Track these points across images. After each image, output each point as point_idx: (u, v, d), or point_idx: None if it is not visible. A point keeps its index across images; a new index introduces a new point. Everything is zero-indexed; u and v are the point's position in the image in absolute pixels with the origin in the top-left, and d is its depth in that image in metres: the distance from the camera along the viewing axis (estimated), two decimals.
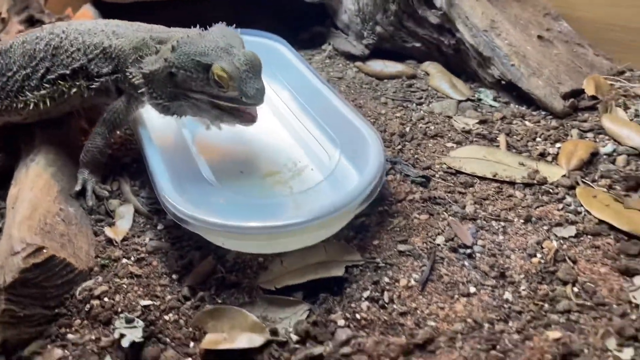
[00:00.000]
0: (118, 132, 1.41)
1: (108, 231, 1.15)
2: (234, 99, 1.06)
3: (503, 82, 1.41)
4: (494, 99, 1.44)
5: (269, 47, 1.51)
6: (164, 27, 1.22)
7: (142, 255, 1.09)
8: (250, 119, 1.07)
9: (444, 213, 1.12)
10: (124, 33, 1.21)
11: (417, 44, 1.56)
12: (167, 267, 1.06)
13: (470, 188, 1.18)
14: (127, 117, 1.24)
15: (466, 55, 1.47)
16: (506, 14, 1.51)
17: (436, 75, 1.52)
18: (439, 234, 1.07)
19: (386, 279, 0.98)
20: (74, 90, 1.23)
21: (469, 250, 1.03)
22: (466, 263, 1.01)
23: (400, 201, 1.16)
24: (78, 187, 1.22)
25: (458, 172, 1.22)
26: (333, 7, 1.67)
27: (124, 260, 1.08)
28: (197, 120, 1.38)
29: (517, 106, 1.41)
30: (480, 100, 1.44)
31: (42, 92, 1.24)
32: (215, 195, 1.09)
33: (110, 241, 1.13)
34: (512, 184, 1.18)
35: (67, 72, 1.23)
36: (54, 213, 1.12)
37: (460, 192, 1.17)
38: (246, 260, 1.05)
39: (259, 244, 1.02)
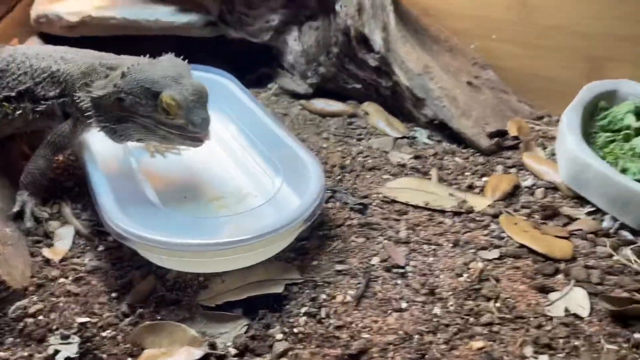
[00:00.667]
0: (61, 157, 1.42)
1: (46, 252, 1.14)
2: (180, 127, 1.09)
3: (435, 122, 1.52)
4: (428, 137, 1.55)
5: (217, 82, 1.57)
6: (113, 55, 1.26)
7: (81, 274, 1.09)
8: (198, 140, 1.11)
9: (380, 237, 1.18)
10: (73, 58, 1.24)
11: (358, 85, 1.66)
12: (106, 285, 1.06)
13: (404, 215, 1.25)
14: (71, 140, 1.25)
15: (402, 96, 1.58)
16: (438, 61, 1.64)
17: (375, 114, 1.62)
18: (374, 255, 1.12)
19: (323, 296, 1.02)
20: (19, 112, 1.24)
21: (401, 270, 1.09)
22: (399, 281, 1.06)
23: (339, 226, 1.21)
24: (16, 209, 1.21)
25: (393, 201, 1.29)
26: (279, 48, 1.76)
27: (62, 280, 1.08)
28: (142, 148, 1.41)
29: (448, 144, 1.52)
30: (415, 138, 1.54)
31: None
32: (158, 215, 1.11)
33: (47, 261, 1.12)
34: (442, 212, 1.26)
35: (13, 94, 1.24)
36: None
37: (395, 219, 1.24)
38: (187, 279, 1.07)
39: (199, 262, 1.05)
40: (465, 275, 1.08)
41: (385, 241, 1.17)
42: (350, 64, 1.62)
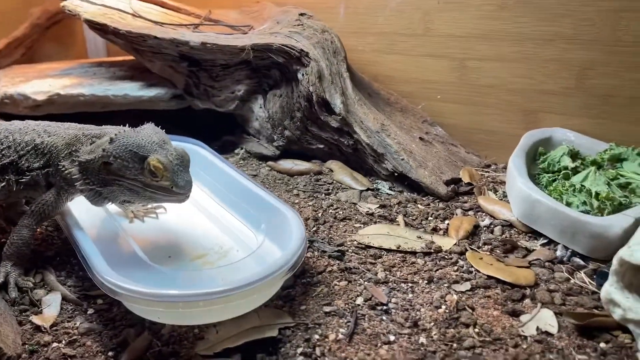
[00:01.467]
0: (38, 228, 1.44)
1: (35, 319, 1.14)
2: (164, 188, 1.16)
3: (396, 174, 1.65)
4: (390, 188, 1.67)
5: (190, 149, 1.65)
6: (94, 126, 1.33)
7: (75, 337, 1.10)
8: (181, 198, 1.17)
9: (360, 279, 1.26)
10: (56, 132, 1.30)
11: (321, 145, 1.79)
12: (101, 346, 1.08)
13: (379, 259, 1.35)
14: (55, 209, 1.29)
15: (363, 153, 1.72)
16: (392, 120, 1.80)
17: (339, 170, 1.74)
18: (358, 295, 1.20)
19: (316, 336, 1.08)
20: (2, 184, 1.28)
21: (385, 307, 1.16)
22: (384, 317, 1.14)
23: (321, 272, 1.29)
24: (0, 279, 1.22)
25: (367, 247, 1.39)
26: (244, 116, 1.87)
27: (55, 344, 1.08)
28: (120, 214, 1.46)
29: (409, 193, 1.65)
30: (378, 189, 1.67)
31: None
32: (149, 271, 1.15)
33: (38, 328, 1.12)
34: (413, 253, 1.36)
35: None
36: None
37: (371, 263, 1.33)
38: (182, 332, 1.10)
39: (194, 313, 1.09)
40: (443, 307, 1.17)
41: (366, 283, 1.25)
42: (313, 126, 1.75)
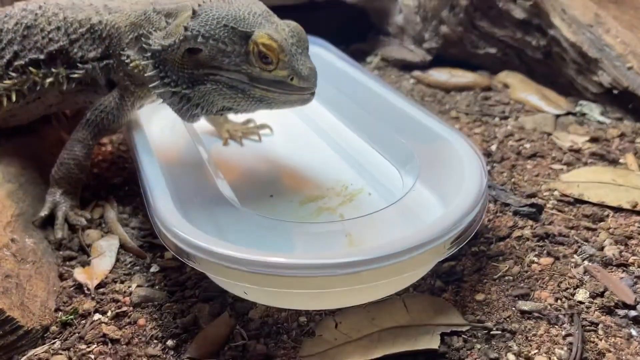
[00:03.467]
0: (108, 145, 1.09)
1: (79, 273, 0.81)
2: (280, 82, 0.76)
3: (615, 92, 1.08)
4: (602, 114, 1.11)
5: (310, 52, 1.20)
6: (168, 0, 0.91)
7: (124, 309, 0.74)
8: (306, 96, 0.77)
9: (574, 256, 0.76)
10: (119, 7, 0.91)
11: (492, 50, 1.25)
12: (159, 328, 0.70)
13: (601, 222, 0.83)
14: (118, 119, 0.92)
15: (560, 59, 1.15)
16: (605, 12, 1.19)
17: (519, 86, 1.20)
18: (577, 286, 0.70)
19: (511, 357, 0.61)
20: (49, 80, 0.92)
21: (633, 312, 0.65)
22: (634, 332, 0.63)
23: (503, 239, 0.80)
24: (45, 212, 0.90)
25: (578, 201, 0.87)
26: (382, 8, 1.37)
27: (97, 316, 0.74)
28: (211, 134, 1.06)
29: (634, 122, 1.07)
30: (584, 114, 1.11)
31: (7, 83, 0.92)
32: (238, 220, 0.74)
33: (80, 287, 0.78)
34: None
35: (42, 56, 0.92)
36: (1, 245, 0.77)
37: (588, 228, 0.81)
38: (281, 320, 0.69)
39: (302, 295, 0.66)
40: None
41: (587, 263, 0.74)
42: (483, 20, 1.21)
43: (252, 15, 0.76)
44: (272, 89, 0.76)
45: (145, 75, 0.83)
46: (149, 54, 0.82)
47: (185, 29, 0.77)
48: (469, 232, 0.67)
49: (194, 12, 0.78)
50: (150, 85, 0.83)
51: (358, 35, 1.56)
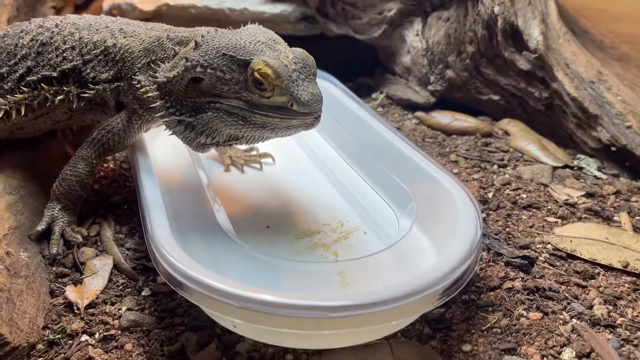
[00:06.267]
0: (111, 162, 1.10)
1: (70, 291, 0.81)
2: (280, 107, 0.76)
3: (613, 149, 1.09)
4: (599, 169, 1.12)
5: None
6: (183, 28, 0.93)
7: (112, 332, 0.74)
8: (308, 120, 0.76)
9: (563, 313, 0.76)
10: (135, 32, 0.93)
11: (495, 97, 1.27)
12: (146, 354, 0.70)
13: (592, 280, 0.83)
14: (124, 141, 0.93)
15: (561, 112, 1.17)
16: (608, 70, 1.22)
17: (519, 135, 1.21)
18: (564, 344, 0.71)
19: None
20: (60, 97, 0.93)
21: None
22: None
23: (494, 289, 0.81)
24: (42, 226, 0.90)
25: (570, 257, 0.88)
26: (391, 47, 1.39)
27: (84, 337, 0.74)
28: (214, 158, 1.07)
29: (630, 180, 1.08)
30: (581, 168, 1.12)
31: (18, 97, 0.94)
32: (233, 253, 0.74)
33: (70, 306, 0.78)
34: None
35: (54, 74, 0.93)
36: None
37: (578, 285, 0.82)
38: (267, 356, 0.70)
39: (291, 334, 0.66)
40: None
41: (575, 321, 0.74)
42: (489, 67, 1.23)
43: (254, 44, 0.77)
44: (272, 115, 0.76)
45: (152, 105, 0.84)
46: (155, 86, 0.83)
47: (186, 59, 0.79)
48: (459, 283, 0.68)
49: (196, 43, 0.80)
50: (157, 115, 0.84)
51: (366, 69, 1.58)
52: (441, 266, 0.69)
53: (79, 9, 1.77)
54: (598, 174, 1.11)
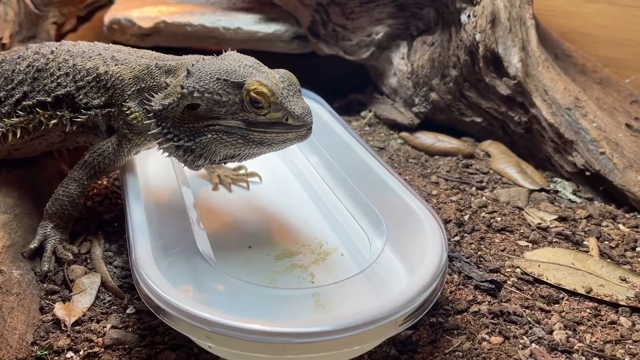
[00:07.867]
0: (104, 180, 1.15)
1: (59, 309, 0.85)
2: (276, 123, 0.82)
3: (587, 173, 1.13)
4: (574, 192, 1.16)
5: None
6: (171, 55, 0.98)
7: (96, 349, 0.78)
8: (303, 132, 0.83)
9: (524, 337, 0.80)
10: (125, 60, 0.97)
11: (477, 119, 1.30)
12: None
13: (556, 305, 0.87)
14: (114, 163, 0.98)
15: (540, 136, 1.21)
16: (588, 95, 1.25)
17: (499, 157, 1.25)
18: None
19: None
20: (54, 121, 0.98)
21: None
22: None
23: (461, 312, 0.84)
24: (35, 244, 0.95)
25: (537, 281, 0.91)
26: (379, 68, 1.43)
27: (69, 354, 0.78)
28: (202, 176, 1.12)
29: (604, 204, 1.12)
30: (557, 192, 1.16)
31: (14, 120, 0.99)
32: (212, 277, 0.78)
33: (58, 323, 0.82)
34: (614, 305, 0.86)
35: (49, 99, 0.98)
36: None
37: (542, 310, 0.86)
38: None
39: (261, 357, 0.70)
40: None
41: (534, 346, 0.78)
42: (471, 91, 1.27)
43: (243, 67, 0.83)
44: (269, 131, 0.82)
45: (150, 132, 0.88)
46: (151, 114, 0.88)
47: (182, 87, 0.84)
48: (421, 310, 0.72)
49: (188, 71, 0.84)
50: (156, 142, 0.89)
51: (359, 85, 1.62)
52: (404, 293, 0.73)
53: (82, 21, 1.82)
54: (573, 197, 1.14)
